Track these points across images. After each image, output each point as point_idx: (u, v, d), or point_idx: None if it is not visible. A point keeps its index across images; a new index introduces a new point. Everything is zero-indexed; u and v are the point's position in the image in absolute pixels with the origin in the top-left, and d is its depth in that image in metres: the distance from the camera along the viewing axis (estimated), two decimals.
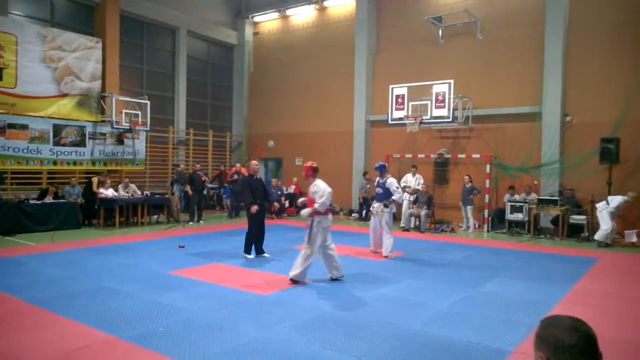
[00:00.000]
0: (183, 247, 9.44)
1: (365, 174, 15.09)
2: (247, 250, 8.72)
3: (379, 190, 9.27)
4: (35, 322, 4.92)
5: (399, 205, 13.78)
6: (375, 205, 9.31)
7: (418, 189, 13.33)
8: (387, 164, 9.88)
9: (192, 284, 6.67)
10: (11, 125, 12.50)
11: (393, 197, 9.02)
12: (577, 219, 11.67)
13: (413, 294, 6.28)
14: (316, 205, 6.80)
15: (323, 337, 4.58)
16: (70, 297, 5.82)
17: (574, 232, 11.67)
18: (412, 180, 13.66)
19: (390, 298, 6.07)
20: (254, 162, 9.38)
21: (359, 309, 5.58)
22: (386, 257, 8.85)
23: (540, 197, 12.29)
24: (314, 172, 7.14)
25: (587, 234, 11.41)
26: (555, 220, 12.07)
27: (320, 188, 6.89)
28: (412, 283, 6.92)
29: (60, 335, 4.57)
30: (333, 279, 6.94)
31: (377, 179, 9.37)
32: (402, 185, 13.63)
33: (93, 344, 4.34)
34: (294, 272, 6.73)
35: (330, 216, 7.04)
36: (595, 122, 12.17)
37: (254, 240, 8.75)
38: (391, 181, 9.07)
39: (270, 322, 5.04)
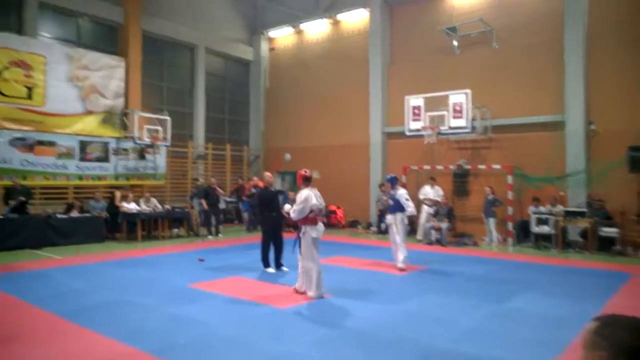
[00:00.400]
0: (202, 260, 9.49)
1: (381, 185, 15.00)
2: (266, 264, 8.70)
3: (390, 202, 9.28)
4: (60, 334, 4.99)
5: (416, 218, 13.74)
6: (388, 217, 9.28)
7: (438, 201, 13.19)
8: (397, 176, 9.83)
9: (211, 297, 6.68)
10: (40, 142, 12.87)
11: (406, 212, 8.95)
12: (608, 231, 11.20)
13: (437, 309, 6.14)
14: (290, 211, 6.82)
15: (344, 353, 4.51)
16: (93, 310, 5.89)
17: (605, 246, 11.17)
18: (431, 192, 13.53)
19: (414, 313, 5.95)
20: (267, 174, 9.42)
21: (382, 324, 5.47)
22: (402, 270, 8.74)
23: (567, 209, 11.96)
24: (304, 181, 7.09)
25: (619, 247, 10.96)
26: (584, 233, 11.63)
27: (300, 197, 6.82)
28: (436, 298, 6.76)
29: (83, 347, 4.62)
30: (299, 292, 6.81)
31: (390, 191, 9.38)
32: (421, 197, 13.57)
33: (115, 357, 4.37)
34: (312, 292, 6.63)
35: (319, 227, 6.87)
36: (622, 130, 11.77)
37: (268, 252, 8.72)
38: (401, 193, 9.03)
39: (289, 336, 5.00)
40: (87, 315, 5.61)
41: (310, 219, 6.74)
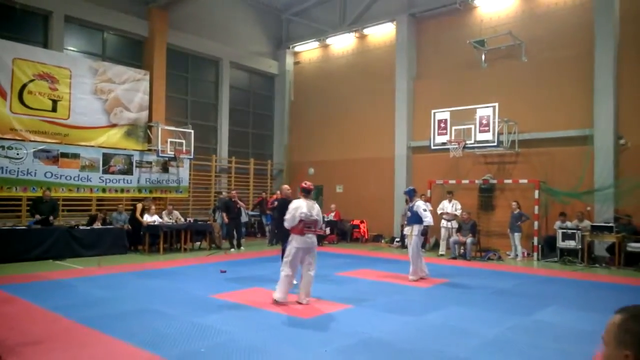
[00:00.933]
0: (224, 272, 9.45)
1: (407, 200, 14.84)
2: None
3: (409, 214, 9.32)
4: (83, 341, 4.98)
5: (436, 232, 13.57)
6: (406, 229, 9.32)
7: (456, 214, 12.99)
8: (415, 189, 9.87)
9: (233, 307, 6.63)
10: (64, 155, 13.08)
11: (424, 224, 8.97)
12: (635, 246, 10.98)
13: (460, 321, 6.00)
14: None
15: None
16: (116, 318, 5.88)
17: (632, 261, 10.96)
18: (449, 206, 13.33)
19: (436, 325, 5.82)
20: (285, 186, 9.50)
21: (404, 334, 5.36)
22: (417, 280, 8.79)
23: (594, 224, 11.67)
24: (301, 192, 7.22)
25: None
26: (611, 248, 11.41)
27: (291, 206, 6.91)
28: (459, 310, 6.63)
29: (105, 353, 4.60)
30: (299, 302, 6.79)
31: (409, 204, 9.40)
32: (439, 212, 13.40)
33: None
34: (275, 294, 6.81)
35: (306, 238, 6.84)
36: None
37: None
38: (418, 204, 9.10)
39: (310, 345, 4.91)
40: (109, 323, 5.60)
41: (297, 229, 6.79)
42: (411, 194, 9.36)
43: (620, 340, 1.28)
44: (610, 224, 11.40)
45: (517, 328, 5.71)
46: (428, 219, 8.95)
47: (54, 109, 13.03)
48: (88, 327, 5.42)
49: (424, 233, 9.26)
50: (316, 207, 7.04)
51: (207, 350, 4.71)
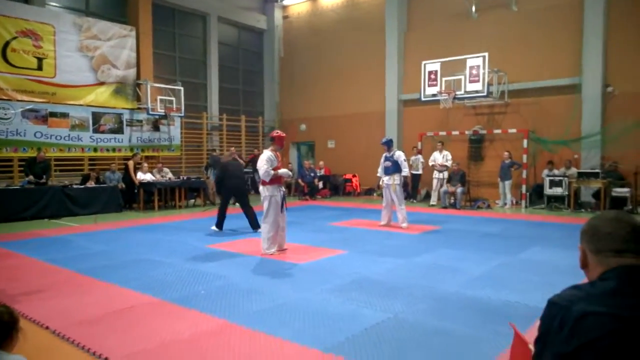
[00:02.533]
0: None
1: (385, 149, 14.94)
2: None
3: (387, 164, 9.38)
4: (83, 288, 5.14)
5: (427, 184, 13.80)
6: (385, 179, 9.38)
7: (446, 165, 13.17)
8: (392, 139, 10.04)
9: (230, 255, 6.82)
10: (52, 114, 12.96)
11: (402, 173, 9.18)
12: (620, 191, 11.30)
13: (449, 261, 6.25)
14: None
15: (360, 298, 4.62)
16: (115, 268, 6.04)
17: (617, 206, 11.25)
18: (440, 157, 13.49)
19: (427, 265, 6.06)
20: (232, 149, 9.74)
21: (396, 274, 5.59)
22: (405, 228, 9.03)
23: (581, 171, 11.93)
24: (270, 140, 7.31)
25: (630, 206, 11.04)
26: (596, 194, 11.71)
27: (261, 158, 6.90)
28: (449, 252, 6.87)
29: (106, 297, 4.76)
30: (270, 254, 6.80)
31: (385, 153, 9.46)
32: (431, 164, 13.59)
33: (138, 305, 4.50)
34: (267, 249, 6.80)
35: (281, 189, 6.95)
36: (638, 92, 11.68)
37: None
38: (398, 154, 9.29)
39: (307, 286, 5.11)
40: (108, 272, 5.76)
41: (279, 178, 6.92)
42: (389, 144, 9.45)
43: (580, 240, 1.52)
44: (596, 171, 11.67)
45: (503, 265, 5.97)
46: (406, 170, 9.28)
47: (40, 67, 12.79)
48: (88, 277, 5.58)
49: (404, 184, 9.49)
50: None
51: (207, 293, 4.89)
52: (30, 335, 3.76)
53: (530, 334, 1.50)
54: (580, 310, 1.27)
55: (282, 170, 7.00)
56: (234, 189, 9.11)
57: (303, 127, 18.79)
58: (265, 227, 6.87)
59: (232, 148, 15.09)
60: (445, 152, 13.51)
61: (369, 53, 16.85)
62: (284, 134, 7.35)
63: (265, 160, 6.78)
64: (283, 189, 7.11)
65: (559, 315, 1.31)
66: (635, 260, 1.36)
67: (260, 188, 7.03)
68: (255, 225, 8.77)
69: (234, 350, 3.41)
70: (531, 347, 1.84)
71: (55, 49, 13.06)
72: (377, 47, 16.52)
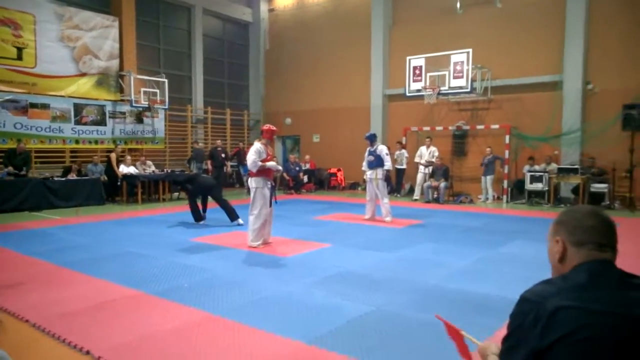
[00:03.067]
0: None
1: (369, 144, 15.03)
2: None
3: (370, 158, 9.46)
4: (64, 281, 5.10)
5: (412, 178, 13.93)
6: (369, 173, 9.45)
7: (432, 161, 13.29)
8: (376, 133, 10.14)
9: (214, 248, 6.81)
10: (33, 105, 12.74)
11: (385, 167, 9.29)
12: (598, 187, 11.51)
13: (432, 255, 6.33)
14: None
15: (343, 291, 4.67)
16: (98, 261, 6.00)
17: (595, 201, 11.49)
18: (426, 152, 13.62)
19: (409, 259, 6.13)
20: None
21: (379, 267, 5.64)
22: (388, 222, 9.11)
23: (561, 166, 12.15)
24: (261, 133, 7.32)
25: (608, 202, 11.26)
26: (576, 190, 11.93)
27: (251, 149, 6.97)
28: (431, 246, 6.95)
29: (88, 290, 4.73)
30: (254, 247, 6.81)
31: (368, 148, 9.54)
32: (416, 160, 13.72)
33: (121, 298, 4.49)
34: (253, 241, 6.83)
35: (268, 182, 6.97)
36: (618, 89, 11.90)
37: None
38: (381, 148, 9.40)
39: (290, 279, 5.14)
40: (91, 265, 5.72)
41: (267, 170, 6.96)
42: (372, 139, 9.53)
43: (553, 232, 1.49)
44: (575, 166, 11.88)
45: (484, 259, 6.06)
46: (388, 164, 9.39)
47: (20, 57, 12.55)
48: (70, 270, 5.54)
49: (386, 178, 9.59)
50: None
51: (190, 286, 4.89)
52: (10, 329, 3.75)
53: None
54: (553, 306, 1.28)
55: (271, 163, 7.06)
56: (202, 186, 9.20)
57: (288, 120, 18.75)
58: (250, 219, 6.89)
59: (218, 141, 15.04)
60: (432, 148, 13.63)
61: (355, 47, 16.86)
62: (275, 128, 7.33)
63: (253, 152, 6.85)
64: (272, 182, 7.12)
65: (532, 311, 1.32)
66: (611, 255, 1.40)
67: (249, 180, 7.06)
68: (233, 217, 8.86)
69: (217, 343, 3.43)
70: (464, 333, 1.87)
71: (35, 39, 12.83)
72: (362, 41, 16.54)
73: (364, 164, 9.60)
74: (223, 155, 14.35)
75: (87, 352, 3.27)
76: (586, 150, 12.44)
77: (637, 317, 1.26)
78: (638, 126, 11.07)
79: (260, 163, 6.80)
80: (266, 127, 7.22)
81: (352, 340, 3.44)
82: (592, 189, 11.56)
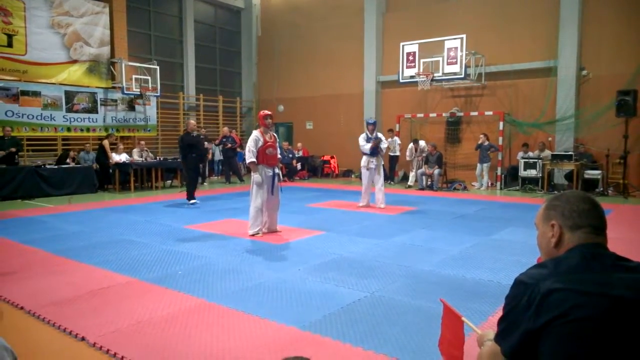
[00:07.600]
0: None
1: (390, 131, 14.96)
2: (191, 197, 9.89)
3: (372, 144, 9.42)
4: (58, 268, 5.08)
5: (405, 165, 13.97)
6: (374, 160, 9.38)
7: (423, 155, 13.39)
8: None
9: (207, 236, 6.81)
10: (24, 92, 12.60)
11: (381, 145, 9.40)
12: (592, 173, 11.56)
13: (425, 242, 6.35)
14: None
15: (337, 277, 4.69)
16: (91, 248, 5.98)
17: (589, 188, 11.51)
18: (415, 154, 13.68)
19: (403, 245, 6.15)
20: (191, 121, 10.24)
21: (373, 254, 5.67)
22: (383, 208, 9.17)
23: (555, 153, 12.18)
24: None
25: (601, 188, 11.32)
26: (569, 176, 11.98)
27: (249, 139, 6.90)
28: (425, 233, 6.98)
29: (82, 278, 4.72)
30: (251, 235, 6.77)
31: (366, 133, 9.51)
32: (408, 159, 13.90)
33: (115, 285, 4.49)
34: (250, 229, 6.81)
35: (265, 171, 6.85)
36: (612, 75, 11.92)
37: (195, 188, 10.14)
38: (380, 135, 9.59)
39: (284, 266, 5.16)
40: (84, 253, 5.71)
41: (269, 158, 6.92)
42: (375, 126, 9.64)
43: (546, 217, 1.50)
44: (569, 153, 11.92)
45: (478, 245, 6.10)
46: (386, 144, 9.70)
47: (10, 44, 12.37)
48: (63, 257, 5.52)
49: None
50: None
51: (184, 273, 4.89)
52: (4, 316, 3.75)
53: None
54: (547, 288, 1.30)
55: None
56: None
57: (281, 107, 18.66)
58: (250, 207, 6.88)
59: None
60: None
61: (348, 34, 16.75)
62: (264, 112, 7.08)
63: (250, 140, 6.82)
64: (276, 170, 7.02)
65: (526, 293, 1.34)
66: (604, 239, 1.43)
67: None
68: (189, 197, 9.82)
69: (211, 329, 3.44)
70: (464, 319, 1.89)
71: (25, 26, 12.65)
72: (356, 27, 16.43)
73: (366, 150, 9.30)
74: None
75: (82, 339, 3.28)
76: (580, 137, 12.48)
77: (630, 300, 1.27)
78: (632, 112, 11.10)
79: (253, 150, 6.75)
80: (262, 113, 7.15)
81: (345, 326, 3.46)
82: (585, 176, 11.60)
